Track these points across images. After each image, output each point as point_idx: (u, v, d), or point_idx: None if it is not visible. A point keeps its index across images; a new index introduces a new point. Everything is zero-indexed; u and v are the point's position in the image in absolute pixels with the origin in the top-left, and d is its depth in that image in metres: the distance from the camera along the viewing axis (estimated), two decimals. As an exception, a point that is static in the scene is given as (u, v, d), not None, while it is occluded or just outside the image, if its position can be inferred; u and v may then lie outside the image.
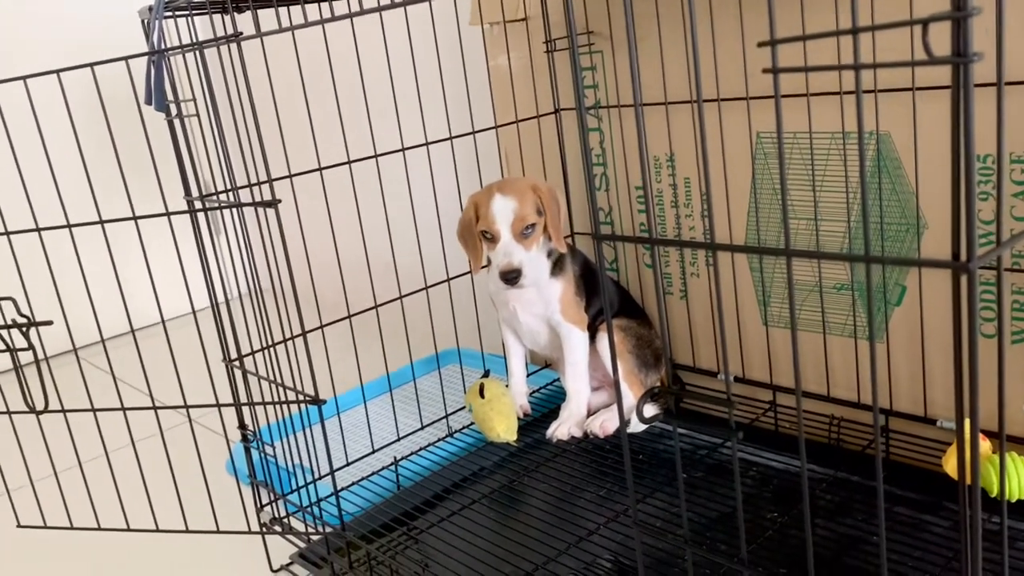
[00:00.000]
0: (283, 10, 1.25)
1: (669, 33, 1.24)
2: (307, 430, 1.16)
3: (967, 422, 0.44)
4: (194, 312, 1.07)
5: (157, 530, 1.15)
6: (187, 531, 1.14)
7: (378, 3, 0.88)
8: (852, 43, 1.02)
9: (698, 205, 1.31)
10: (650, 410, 1.30)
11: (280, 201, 0.93)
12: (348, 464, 1.31)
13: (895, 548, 0.97)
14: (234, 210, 1.03)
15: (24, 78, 0.99)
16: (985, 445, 1.01)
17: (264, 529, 1.14)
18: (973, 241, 0.39)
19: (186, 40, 1.00)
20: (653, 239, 0.51)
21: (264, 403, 1.06)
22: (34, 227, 1.06)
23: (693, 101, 1.25)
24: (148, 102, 0.99)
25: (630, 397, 1.29)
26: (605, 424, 1.28)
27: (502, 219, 1.21)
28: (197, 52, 0.97)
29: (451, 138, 1.34)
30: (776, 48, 0.42)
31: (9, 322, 1.04)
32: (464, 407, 1.42)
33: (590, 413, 1.33)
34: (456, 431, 1.38)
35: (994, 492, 0.98)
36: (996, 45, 0.40)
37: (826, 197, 1.15)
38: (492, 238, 1.22)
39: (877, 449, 0.45)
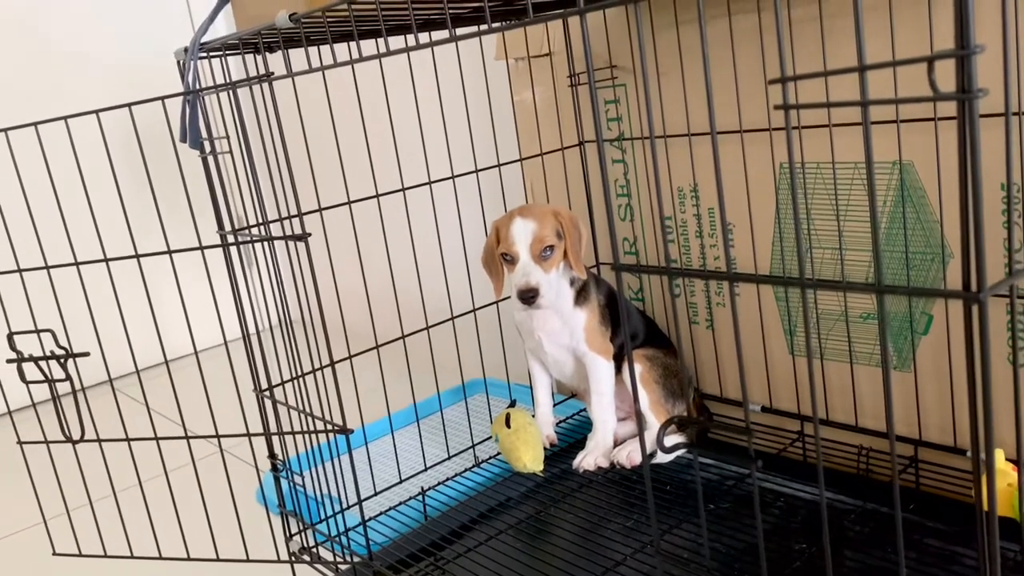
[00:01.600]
0: (313, 50, 1.28)
1: (691, 66, 1.26)
2: (335, 460, 1.18)
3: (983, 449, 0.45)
4: (226, 343, 1.10)
5: (188, 558, 1.17)
6: (218, 559, 1.16)
7: (406, 43, 0.91)
8: (879, 74, 1.02)
9: (723, 237, 1.32)
10: (674, 440, 1.30)
11: (310, 235, 0.96)
12: (376, 494, 1.32)
13: (926, 580, 0.95)
14: (265, 243, 1.05)
15: (65, 118, 1.03)
16: (1015, 475, 0.99)
17: (293, 558, 1.15)
18: (983, 271, 0.40)
19: (220, 80, 1.03)
20: (670, 269, 0.53)
21: (293, 432, 1.08)
22: (73, 261, 1.09)
23: (708, 133, 1.26)
24: (183, 140, 1.03)
25: (657, 428, 1.29)
26: (632, 455, 1.28)
27: (521, 240, 1.23)
28: (230, 91, 1.00)
29: (477, 171, 1.36)
30: (786, 85, 0.43)
31: (48, 353, 1.07)
32: (490, 437, 1.42)
33: (617, 443, 1.33)
34: (482, 461, 1.39)
35: (1027, 523, 0.96)
36: (1003, 77, 0.41)
37: (850, 227, 1.15)
38: (511, 260, 1.24)
39: (895, 476, 0.46)
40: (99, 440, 1.14)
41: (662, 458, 1.28)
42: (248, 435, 1.08)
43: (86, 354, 1.05)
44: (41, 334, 1.07)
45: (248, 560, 1.15)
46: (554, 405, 1.43)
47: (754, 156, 1.22)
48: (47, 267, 1.11)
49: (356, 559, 1.13)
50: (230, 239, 1.06)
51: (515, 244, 1.23)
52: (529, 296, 1.21)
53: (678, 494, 1.21)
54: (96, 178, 1.21)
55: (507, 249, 1.24)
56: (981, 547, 0.43)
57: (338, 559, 1.14)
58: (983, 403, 0.41)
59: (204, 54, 1.03)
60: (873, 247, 0.41)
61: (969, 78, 0.37)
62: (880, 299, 0.42)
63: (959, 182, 0.40)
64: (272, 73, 0.97)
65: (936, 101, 0.36)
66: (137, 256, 1.07)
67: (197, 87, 1.00)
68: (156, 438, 1.13)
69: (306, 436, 1.12)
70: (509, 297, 1.30)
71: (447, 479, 1.34)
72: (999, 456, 1.00)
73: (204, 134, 1.02)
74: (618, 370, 1.33)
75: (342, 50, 1.66)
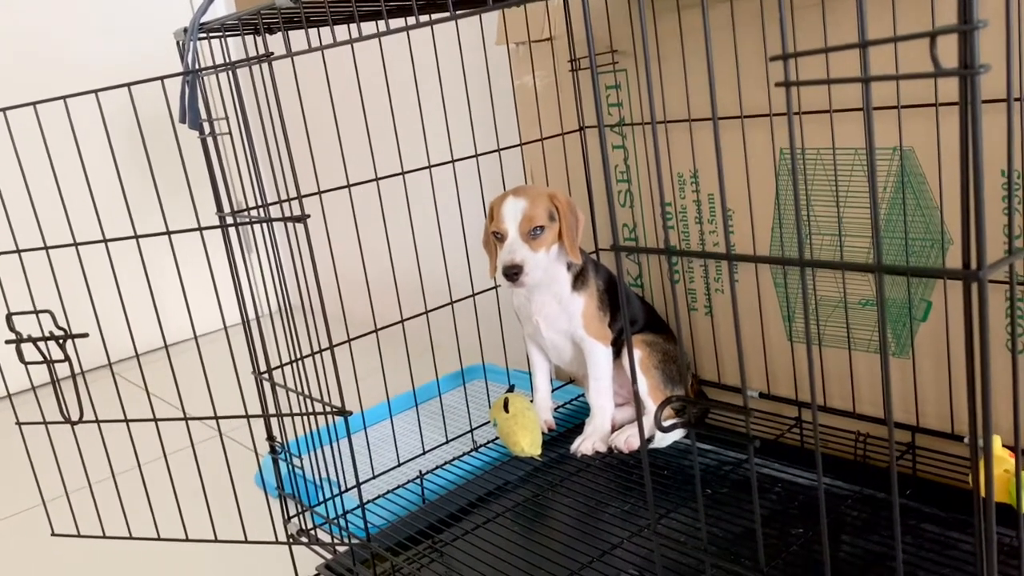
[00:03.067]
0: (313, 31, 1.28)
1: (693, 51, 1.25)
2: (334, 443, 1.18)
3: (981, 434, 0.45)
4: (225, 327, 1.10)
5: (187, 539, 1.17)
6: (216, 541, 1.16)
7: (405, 23, 0.90)
8: (881, 57, 1.02)
9: (722, 221, 1.32)
10: (672, 422, 1.30)
11: (309, 216, 0.96)
12: (374, 477, 1.32)
13: (922, 566, 0.96)
14: (264, 226, 1.05)
15: (64, 98, 1.03)
16: (1012, 462, 1.00)
17: (291, 540, 1.16)
18: (983, 249, 0.40)
19: (219, 60, 1.03)
20: (668, 250, 0.52)
21: (292, 414, 1.08)
22: (72, 242, 1.09)
23: (708, 119, 1.25)
24: (182, 120, 1.02)
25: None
26: (630, 440, 1.28)
27: (510, 218, 1.22)
28: (229, 72, 0.99)
29: (477, 155, 1.36)
30: (788, 62, 0.43)
31: (47, 334, 1.07)
32: (489, 422, 1.43)
33: (615, 428, 1.33)
34: (481, 445, 1.39)
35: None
36: (1006, 57, 0.41)
37: (850, 213, 1.15)
38: (502, 238, 1.24)
39: (892, 463, 0.46)
40: (98, 421, 1.14)
41: (660, 442, 1.29)
42: (247, 416, 1.08)
43: (85, 335, 1.05)
44: (40, 315, 1.07)
45: (246, 542, 1.15)
46: (553, 390, 1.43)
47: (754, 142, 1.22)
48: (46, 247, 1.11)
49: (354, 541, 1.13)
50: (229, 221, 1.05)
51: (504, 221, 1.23)
52: (512, 273, 1.21)
53: (676, 479, 1.21)
54: (96, 158, 1.21)
55: (497, 227, 1.24)
56: (978, 533, 0.43)
57: (336, 541, 1.15)
58: (981, 383, 0.41)
59: (204, 34, 1.02)
60: (872, 225, 0.41)
61: (972, 53, 0.36)
62: (879, 278, 0.42)
63: (960, 161, 0.40)
64: (272, 53, 0.97)
65: (937, 77, 0.36)
66: (136, 237, 1.06)
67: (196, 67, 0.99)
68: (155, 419, 1.13)
69: (305, 419, 1.13)
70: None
71: (445, 463, 1.34)
72: (996, 443, 1.00)
73: (203, 115, 1.02)
74: (617, 355, 1.33)
75: (342, 33, 1.66)
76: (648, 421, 1.27)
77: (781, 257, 1.24)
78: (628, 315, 1.34)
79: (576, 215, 1.26)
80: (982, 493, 0.50)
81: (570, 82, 1.45)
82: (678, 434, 1.29)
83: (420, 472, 1.29)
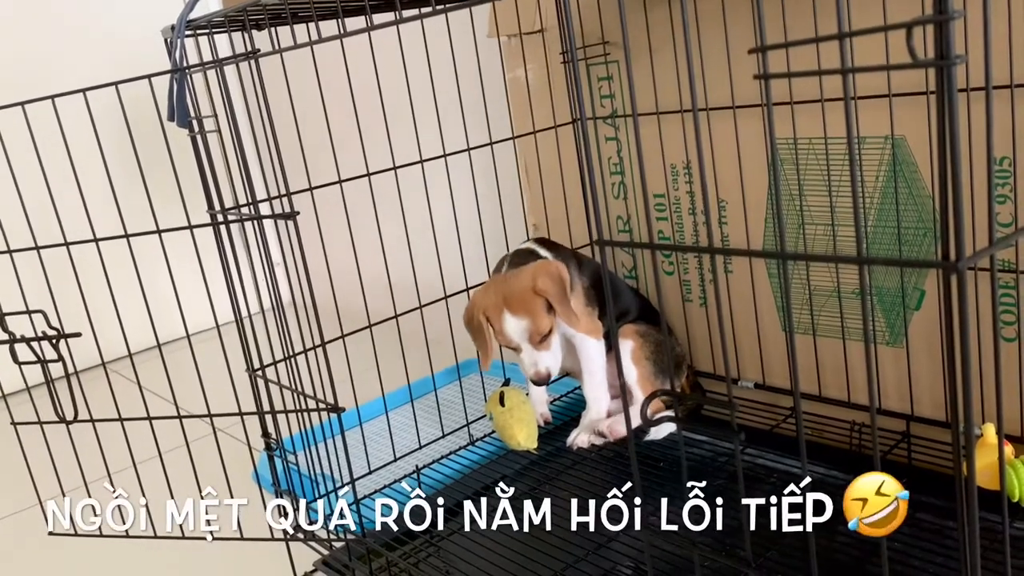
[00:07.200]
0: (300, 26, 1.27)
1: (684, 41, 1.25)
2: (330, 440, 1.18)
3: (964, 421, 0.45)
4: (217, 325, 1.09)
5: (183, 537, 1.17)
6: (212, 538, 1.16)
7: (396, 17, 0.90)
8: (870, 44, 1.01)
9: (716, 212, 1.31)
10: (661, 415, 1.30)
11: (298, 213, 0.95)
12: (370, 472, 1.32)
13: (917, 555, 0.96)
14: (256, 224, 1.05)
15: (52, 97, 1.02)
16: (1008, 449, 1.00)
17: (287, 536, 1.16)
18: (962, 241, 0.39)
19: (208, 57, 1.02)
20: (653, 245, 0.52)
21: (285, 411, 1.08)
22: (62, 242, 1.09)
23: (689, 110, 1.25)
24: (171, 118, 1.02)
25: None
26: (612, 425, 1.28)
27: (519, 337, 1.23)
28: (217, 69, 0.99)
29: (469, 149, 1.35)
30: (766, 54, 0.42)
31: (39, 334, 1.07)
32: (485, 416, 1.43)
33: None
34: (477, 440, 1.39)
35: (1016, 497, 0.97)
36: (984, 47, 0.41)
37: (842, 203, 1.14)
38: (511, 345, 1.26)
39: (875, 449, 0.46)
40: (92, 420, 1.14)
41: (655, 434, 1.29)
42: (240, 414, 1.08)
43: (77, 334, 1.05)
44: (32, 315, 1.07)
45: (243, 539, 1.15)
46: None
47: (747, 132, 1.22)
48: (37, 247, 1.11)
49: (350, 537, 1.13)
50: (219, 218, 1.05)
51: (513, 340, 1.24)
52: (544, 380, 1.24)
53: (671, 471, 1.21)
54: (85, 158, 1.20)
55: (506, 342, 1.25)
56: (960, 516, 0.43)
57: (332, 537, 1.15)
58: (962, 373, 0.40)
59: (191, 32, 1.02)
60: (855, 218, 0.41)
61: (948, 44, 0.36)
62: (861, 270, 0.42)
63: (937, 151, 0.40)
64: (258, 50, 0.96)
65: (914, 68, 0.36)
66: (127, 236, 1.06)
67: (184, 65, 0.99)
68: (149, 418, 1.13)
69: (300, 416, 1.12)
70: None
71: (442, 457, 1.34)
72: (990, 431, 1.00)
73: (192, 113, 1.02)
74: (610, 348, 1.33)
75: (332, 28, 1.65)
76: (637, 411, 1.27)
77: (762, 251, 1.23)
78: (621, 306, 1.34)
79: (563, 283, 1.23)
80: (966, 481, 0.50)
81: (562, 74, 1.44)
82: (673, 425, 1.28)
83: (416, 467, 1.29)
